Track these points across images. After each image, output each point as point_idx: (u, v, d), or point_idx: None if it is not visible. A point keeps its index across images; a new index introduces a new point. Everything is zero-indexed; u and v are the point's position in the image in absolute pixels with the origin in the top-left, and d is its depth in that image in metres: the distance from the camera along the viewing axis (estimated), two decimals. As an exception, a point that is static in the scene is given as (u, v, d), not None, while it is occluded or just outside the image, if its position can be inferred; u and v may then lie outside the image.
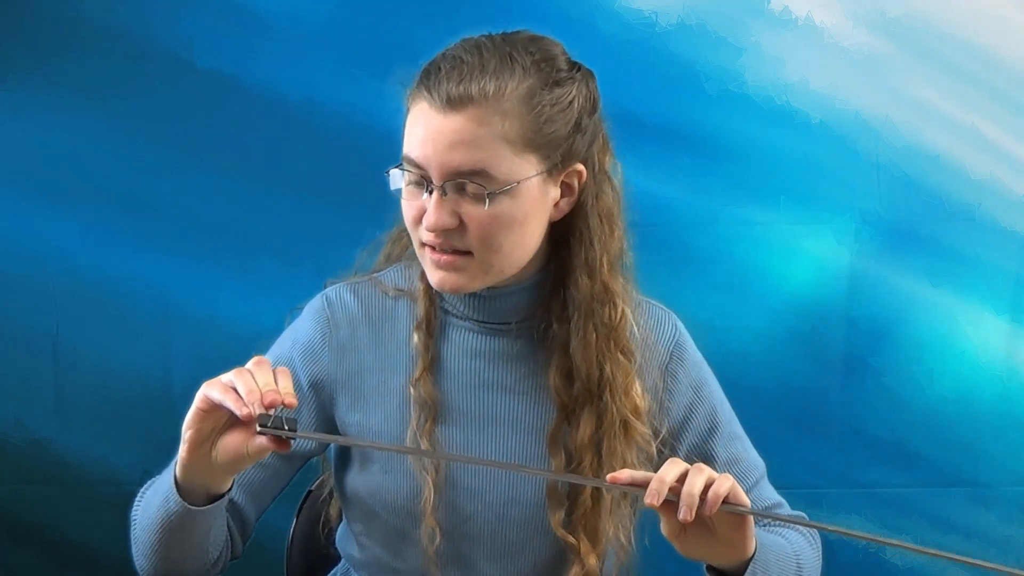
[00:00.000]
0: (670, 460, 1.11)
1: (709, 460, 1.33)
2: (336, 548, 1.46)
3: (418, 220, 1.21)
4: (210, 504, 1.17)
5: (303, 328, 1.34)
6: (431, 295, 1.30)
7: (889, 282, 2.16)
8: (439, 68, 1.19)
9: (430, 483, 1.27)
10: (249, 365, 1.12)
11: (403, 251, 1.36)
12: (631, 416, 1.28)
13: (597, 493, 1.27)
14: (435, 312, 1.31)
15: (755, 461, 1.38)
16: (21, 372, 2.09)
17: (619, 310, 1.30)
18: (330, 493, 1.44)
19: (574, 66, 1.26)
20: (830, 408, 2.17)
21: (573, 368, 1.27)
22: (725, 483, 1.09)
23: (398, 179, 1.23)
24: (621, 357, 1.29)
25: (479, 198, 1.19)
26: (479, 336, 1.31)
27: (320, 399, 1.32)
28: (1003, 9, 2.12)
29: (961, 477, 2.21)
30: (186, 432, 1.12)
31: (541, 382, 1.30)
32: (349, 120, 2.01)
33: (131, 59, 2.02)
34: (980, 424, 2.20)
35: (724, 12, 2.07)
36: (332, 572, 1.47)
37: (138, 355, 2.09)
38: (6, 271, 2.06)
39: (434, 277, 1.24)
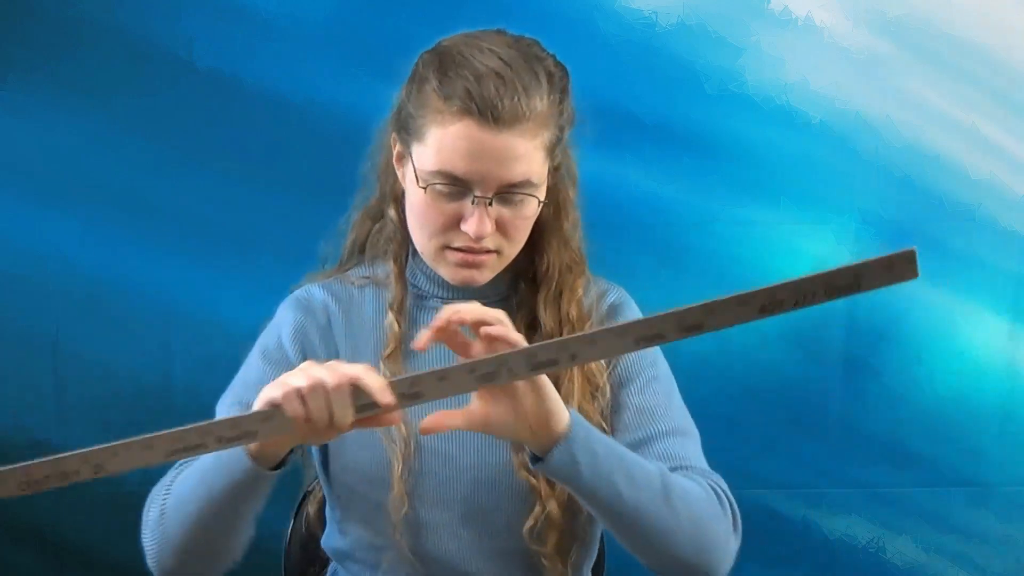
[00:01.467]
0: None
1: (620, 407, 1.35)
2: (321, 550, 1.48)
3: (447, 226, 1.26)
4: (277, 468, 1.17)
5: (283, 318, 1.39)
6: (404, 279, 1.37)
7: (889, 282, 2.16)
8: (479, 85, 1.21)
9: (398, 453, 1.31)
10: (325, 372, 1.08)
11: (367, 237, 1.43)
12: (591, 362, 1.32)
13: None
14: (407, 295, 1.37)
15: (673, 416, 1.35)
16: (21, 372, 2.09)
17: (581, 274, 1.38)
18: (308, 499, 1.46)
19: (559, 64, 1.31)
20: (830, 408, 2.17)
21: (537, 322, 1.35)
22: (470, 306, 1.11)
23: (415, 185, 1.26)
24: (575, 311, 1.36)
25: (521, 203, 1.26)
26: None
27: None
28: (1003, 9, 2.12)
29: (961, 477, 2.21)
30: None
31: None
32: (349, 120, 2.01)
33: (131, 59, 2.01)
34: (980, 424, 2.20)
35: (724, 12, 2.08)
36: (323, 574, 1.49)
37: (138, 355, 2.08)
38: (6, 271, 2.06)
39: (457, 276, 1.30)
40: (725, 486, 1.31)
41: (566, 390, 1.31)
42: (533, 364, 1.05)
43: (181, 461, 1.26)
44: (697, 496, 1.25)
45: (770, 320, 2.31)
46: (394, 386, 1.06)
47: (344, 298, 1.40)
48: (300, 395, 1.05)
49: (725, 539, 1.26)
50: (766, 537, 2.14)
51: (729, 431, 2.09)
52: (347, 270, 1.43)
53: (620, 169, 2.09)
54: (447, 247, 1.28)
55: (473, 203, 1.24)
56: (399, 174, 1.34)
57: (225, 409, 1.34)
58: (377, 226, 1.42)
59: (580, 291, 1.37)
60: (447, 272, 1.31)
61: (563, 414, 1.15)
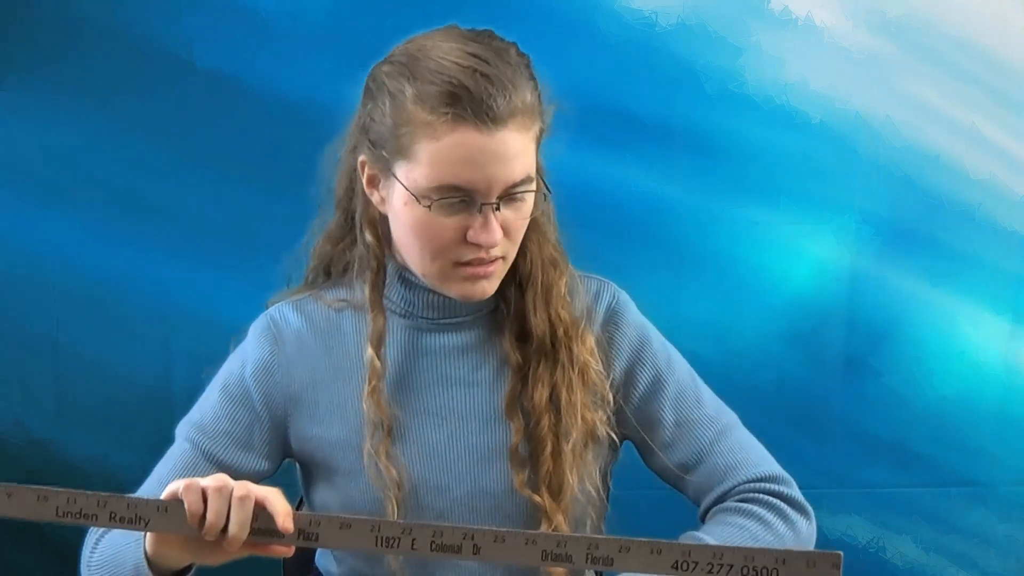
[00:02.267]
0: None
1: (655, 424, 1.34)
2: (316, 566, 1.46)
3: (453, 241, 1.21)
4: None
5: (251, 349, 1.34)
6: (382, 308, 1.30)
7: (889, 282, 2.16)
8: (466, 87, 1.16)
9: (391, 496, 1.27)
10: (215, 488, 1.06)
11: (330, 260, 1.36)
12: (588, 356, 1.30)
13: (557, 449, 1.28)
14: (386, 326, 1.30)
15: (712, 416, 1.35)
16: (21, 372, 2.08)
17: (566, 272, 1.33)
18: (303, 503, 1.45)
19: (520, 51, 1.25)
20: (830, 408, 2.17)
21: (528, 328, 1.29)
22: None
23: (413, 205, 1.20)
24: (564, 312, 1.31)
25: (522, 202, 1.22)
26: (435, 335, 1.32)
27: (273, 415, 1.32)
28: (1003, 9, 2.12)
29: (961, 477, 2.21)
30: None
31: (497, 365, 1.31)
32: (349, 120, 2.01)
33: (131, 59, 2.01)
34: (980, 424, 2.20)
35: (724, 12, 2.07)
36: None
37: (138, 355, 2.08)
38: (6, 271, 2.06)
39: (468, 291, 1.25)
40: (782, 482, 1.32)
41: (566, 400, 1.28)
42: (435, 544, 1.05)
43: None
44: (765, 541, 1.26)
45: (770, 320, 2.31)
46: (297, 519, 1.06)
47: (321, 323, 1.33)
48: (203, 492, 1.05)
49: (798, 542, 1.28)
50: (766, 537, 2.14)
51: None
52: (318, 288, 1.36)
53: (620, 169, 2.08)
54: (455, 263, 1.23)
55: (479, 211, 1.19)
56: (375, 198, 1.27)
57: (182, 440, 1.31)
58: (341, 246, 1.36)
59: (564, 289, 1.32)
60: (456, 289, 1.26)
61: None
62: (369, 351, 1.28)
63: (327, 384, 1.32)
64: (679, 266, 2.12)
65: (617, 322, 1.36)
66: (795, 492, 1.33)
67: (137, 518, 1.05)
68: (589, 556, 1.03)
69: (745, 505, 1.31)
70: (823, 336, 2.16)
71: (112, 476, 2.08)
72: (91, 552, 1.25)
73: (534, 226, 1.29)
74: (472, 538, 1.04)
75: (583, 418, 1.29)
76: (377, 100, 1.23)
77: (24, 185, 2.04)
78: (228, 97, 2.03)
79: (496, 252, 1.23)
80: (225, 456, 1.29)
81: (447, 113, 1.16)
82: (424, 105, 1.17)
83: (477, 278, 1.24)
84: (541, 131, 1.23)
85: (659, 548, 1.02)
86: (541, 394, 1.28)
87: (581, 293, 1.35)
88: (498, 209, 1.19)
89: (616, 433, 1.34)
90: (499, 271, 1.26)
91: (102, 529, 1.24)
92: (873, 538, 2.23)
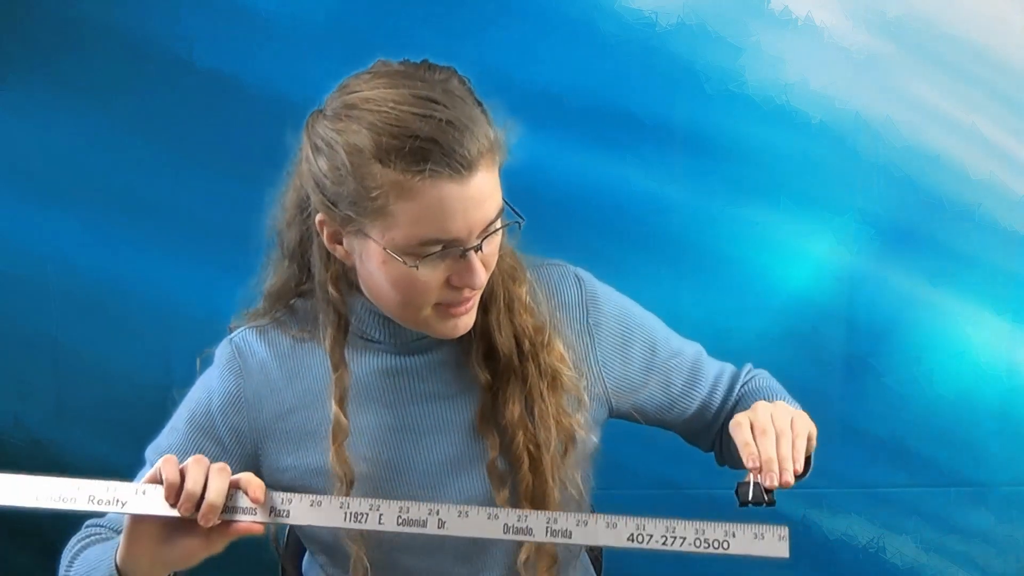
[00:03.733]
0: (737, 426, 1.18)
1: (669, 384, 1.40)
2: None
3: (442, 286, 1.20)
4: None
5: (216, 381, 1.33)
6: (346, 363, 1.29)
7: (889, 282, 2.16)
8: (436, 141, 1.12)
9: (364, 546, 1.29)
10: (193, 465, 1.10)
11: (297, 294, 1.35)
12: (558, 364, 1.31)
13: (536, 463, 1.29)
14: (343, 357, 1.30)
15: (693, 356, 1.44)
16: (21, 372, 2.09)
17: (525, 280, 1.33)
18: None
19: (455, 73, 1.22)
20: (830, 408, 2.17)
21: (495, 347, 1.30)
22: (803, 445, 1.16)
23: (394, 263, 1.18)
24: (529, 318, 1.31)
25: (497, 235, 1.21)
26: (402, 357, 1.31)
27: (243, 448, 1.32)
28: (1003, 9, 2.12)
29: (961, 477, 2.21)
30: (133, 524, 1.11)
31: (467, 377, 1.31)
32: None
33: (131, 59, 2.01)
34: (980, 424, 2.20)
35: (724, 12, 2.07)
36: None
37: (138, 355, 2.09)
38: (6, 271, 2.06)
39: (451, 328, 1.24)
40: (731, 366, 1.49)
41: (540, 411, 1.29)
42: (401, 520, 1.11)
43: (87, 522, 1.28)
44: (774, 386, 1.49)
45: (770, 320, 2.31)
46: (268, 496, 1.11)
47: (285, 351, 1.33)
48: (182, 466, 1.09)
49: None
50: (766, 537, 2.14)
51: (729, 431, 2.09)
52: (278, 318, 1.35)
53: (620, 169, 2.08)
54: (437, 305, 1.22)
55: (463, 256, 1.17)
56: (338, 252, 1.24)
57: (149, 467, 1.30)
58: (297, 289, 1.34)
59: (527, 298, 1.31)
60: (439, 329, 1.25)
61: None
62: (335, 409, 1.27)
63: (296, 412, 1.31)
64: (679, 266, 2.12)
65: (596, 310, 1.37)
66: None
67: (115, 500, 1.09)
68: (548, 529, 1.09)
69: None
70: (823, 336, 2.16)
71: (112, 476, 2.07)
72: (66, 570, 1.25)
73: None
74: (437, 513, 1.09)
75: (559, 424, 1.30)
76: (328, 158, 1.18)
77: (24, 185, 2.04)
78: (228, 97, 2.03)
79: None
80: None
81: (421, 171, 1.12)
82: (393, 165, 1.13)
83: (459, 316, 1.24)
84: (503, 159, 1.21)
85: (614, 522, 1.10)
86: (513, 411, 1.29)
87: (544, 284, 1.35)
88: (479, 250, 1.18)
89: (597, 431, 1.36)
90: (476, 302, 1.26)
91: (77, 547, 1.26)
92: (873, 538, 2.23)
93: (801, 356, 2.16)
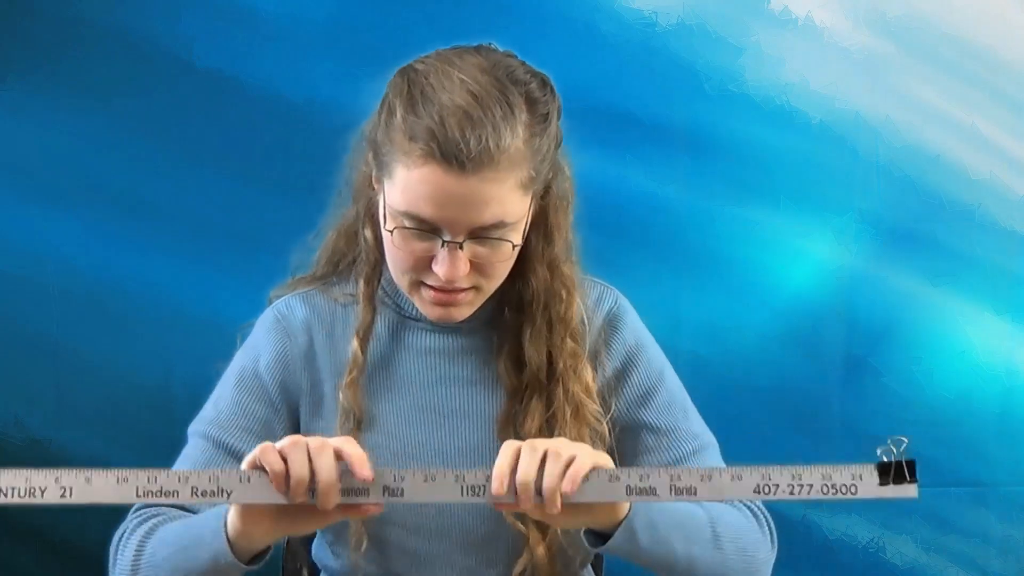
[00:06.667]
0: (504, 445, 1.08)
1: (639, 428, 1.33)
2: (312, 560, 1.47)
3: (419, 264, 1.21)
4: (259, 562, 1.15)
5: (262, 342, 1.34)
6: (373, 304, 1.31)
7: (889, 282, 2.16)
8: (443, 126, 1.13)
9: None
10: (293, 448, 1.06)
11: (350, 250, 1.36)
12: (583, 395, 1.29)
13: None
14: (375, 319, 1.31)
15: (695, 432, 1.36)
16: (21, 372, 2.08)
17: (573, 299, 1.31)
18: None
19: (544, 85, 1.22)
20: (830, 408, 2.17)
21: (523, 356, 1.29)
22: (585, 464, 1.06)
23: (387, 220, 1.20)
24: (571, 342, 1.30)
25: (496, 244, 1.19)
26: (436, 335, 1.32)
27: (290, 408, 1.33)
28: (1003, 9, 2.12)
29: (961, 477, 2.21)
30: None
31: (493, 378, 1.31)
32: (349, 120, 2.01)
33: (131, 59, 2.01)
34: (980, 424, 2.20)
35: (724, 12, 2.08)
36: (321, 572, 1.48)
37: (138, 355, 2.08)
38: (6, 271, 2.06)
39: (434, 313, 1.25)
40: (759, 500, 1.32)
41: (561, 434, 1.27)
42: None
43: (137, 505, 1.24)
44: (740, 528, 1.27)
45: (770, 320, 2.31)
46: (380, 474, 1.06)
47: (327, 317, 1.34)
48: (280, 451, 1.05)
49: (766, 559, 1.30)
50: (766, 537, 2.14)
51: (729, 431, 2.09)
52: (327, 282, 1.37)
53: (620, 169, 2.09)
54: (422, 283, 1.23)
55: (442, 246, 1.17)
56: (376, 197, 1.27)
57: (197, 439, 1.31)
58: (352, 241, 1.36)
59: (575, 321, 1.30)
60: (424, 309, 1.26)
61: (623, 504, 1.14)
62: (354, 343, 1.29)
63: (330, 379, 1.32)
64: (679, 266, 2.12)
65: (616, 325, 1.36)
66: (769, 518, 1.34)
67: (220, 491, 1.05)
68: (672, 487, 1.07)
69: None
70: (823, 336, 2.16)
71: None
72: (135, 555, 1.21)
73: (543, 257, 1.29)
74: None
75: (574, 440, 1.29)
76: (382, 110, 1.22)
77: (24, 185, 2.04)
78: (228, 97, 2.03)
79: (463, 284, 1.21)
80: (246, 450, 1.29)
81: (420, 147, 1.14)
82: (406, 133, 1.15)
83: (444, 304, 1.23)
84: (534, 176, 1.19)
85: (739, 475, 1.12)
86: (532, 425, 1.28)
87: (585, 300, 1.34)
88: (462, 248, 1.18)
89: (611, 445, 1.33)
90: (471, 300, 1.25)
91: (141, 530, 1.22)
92: (873, 538, 2.23)
93: (801, 356, 2.16)
